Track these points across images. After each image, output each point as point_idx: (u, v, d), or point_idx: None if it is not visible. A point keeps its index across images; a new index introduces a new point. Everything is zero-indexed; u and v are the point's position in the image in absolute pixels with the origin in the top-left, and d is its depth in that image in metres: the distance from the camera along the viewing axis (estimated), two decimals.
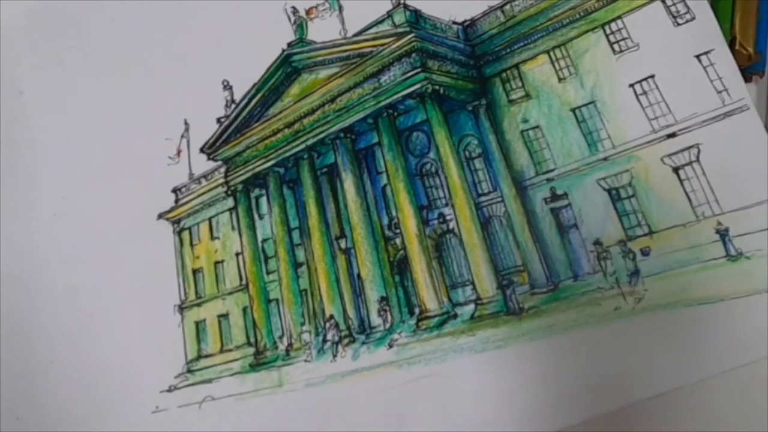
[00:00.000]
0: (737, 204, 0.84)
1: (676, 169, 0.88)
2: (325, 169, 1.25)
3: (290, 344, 1.09)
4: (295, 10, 1.16)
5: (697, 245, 0.85)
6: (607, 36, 0.98)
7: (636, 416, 0.84)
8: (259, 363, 1.07)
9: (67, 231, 1.17)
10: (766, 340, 0.79)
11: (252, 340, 1.13)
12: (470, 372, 0.89)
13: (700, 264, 0.84)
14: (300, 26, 1.16)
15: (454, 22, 1.13)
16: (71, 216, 1.18)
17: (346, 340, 1.03)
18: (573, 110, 0.97)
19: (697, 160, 0.86)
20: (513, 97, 1.06)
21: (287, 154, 1.26)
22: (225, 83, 1.17)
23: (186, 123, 1.18)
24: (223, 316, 1.19)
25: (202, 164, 1.20)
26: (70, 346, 1.09)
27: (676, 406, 0.83)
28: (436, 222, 1.08)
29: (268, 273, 1.22)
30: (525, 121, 1.01)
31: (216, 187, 1.31)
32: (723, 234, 0.84)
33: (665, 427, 0.84)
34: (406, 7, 1.13)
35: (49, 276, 1.14)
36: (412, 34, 1.14)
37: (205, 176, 1.27)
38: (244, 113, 1.23)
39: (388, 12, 1.13)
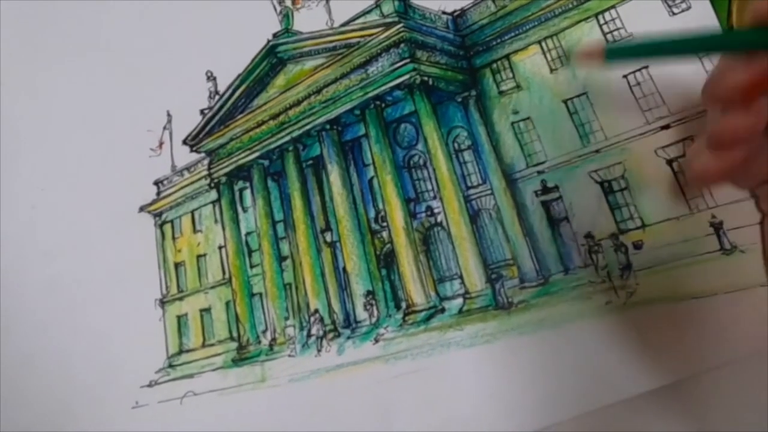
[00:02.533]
0: (732, 196, 0.82)
1: (670, 162, 0.87)
2: (310, 162, 1.24)
3: (274, 339, 1.07)
4: (281, 0, 1.15)
5: (691, 238, 0.83)
6: (600, 26, 0.96)
7: (628, 412, 0.83)
8: (241, 358, 1.05)
9: (46, 223, 1.15)
10: (760, 335, 0.78)
11: (235, 334, 1.12)
12: (458, 367, 0.88)
13: (693, 258, 0.83)
14: (286, 16, 1.15)
15: (444, 12, 1.11)
16: (50, 208, 1.16)
17: (331, 335, 1.01)
18: (565, 101, 0.96)
19: None
20: (503, 88, 1.05)
21: (272, 146, 1.24)
22: (209, 74, 1.15)
23: (168, 114, 1.15)
24: (206, 311, 1.17)
25: (185, 156, 1.17)
26: (48, 341, 1.07)
27: (669, 401, 0.83)
28: (423, 215, 1.07)
29: (251, 267, 1.20)
30: (515, 112, 1.00)
31: (199, 179, 1.29)
32: (717, 227, 0.83)
33: (658, 424, 0.83)
34: None
35: (27, 269, 1.12)
36: (401, 25, 1.12)
37: (187, 168, 1.25)
38: (228, 105, 1.21)
39: (376, 2, 1.11)
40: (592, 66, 0.79)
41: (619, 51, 0.76)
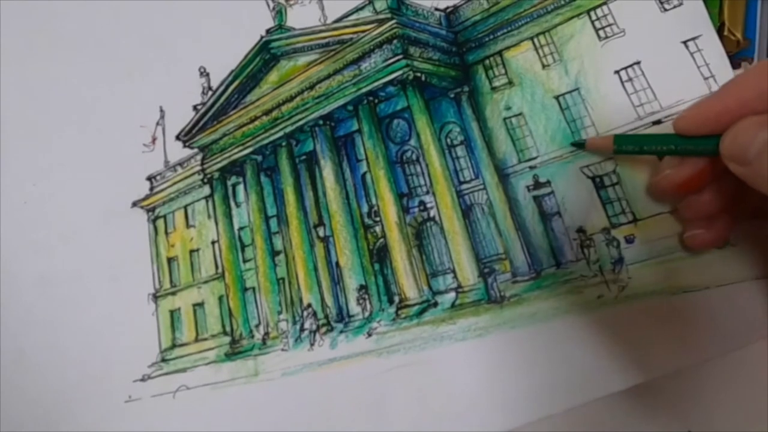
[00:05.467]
0: None
1: (661, 157, 0.87)
2: (303, 157, 1.24)
3: (267, 333, 1.07)
4: None
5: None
6: (592, 22, 0.97)
7: (620, 405, 0.84)
8: (234, 352, 1.05)
9: (38, 219, 1.15)
10: (753, 328, 0.79)
11: (228, 329, 1.12)
12: (451, 360, 0.88)
13: (685, 252, 0.83)
14: (279, 12, 1.15)
15: (437, 9, 1.12)
16: (43, 204, 1.15)
17: (323, 329, 1.02)
18: (557, 97, 0.96)
19: None
20: (496, 84, 1.05)
21: (265, 142, 1.24)
22: (202, 70, 1.15)
23: (161, 110, 1.15)
24: (199, 305, 1.17)
25: (178, 152, 1.17)
26: (41, 336, 1.07)
27: (661, 394, 0.83)
28: (416, 210, 1.07)
29: (244, 261, 1.20)
30: (508, 108, 1.00)
31: (192, 174, 1.29)
32: None
33: (650, 416, 0.84)
34: None
35: (20, 265, 1.12)
36: (394, 21, 1.12)
37: (180, 164, 1.25)
38: (221, 100, 1.21)
39: None
40: (603, 153, 0.82)
41: (625, 143, 0.79)
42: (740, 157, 0.65)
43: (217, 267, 1.19)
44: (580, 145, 0.91)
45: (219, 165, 1.30)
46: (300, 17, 1.13)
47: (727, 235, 0.80)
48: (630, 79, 0.92)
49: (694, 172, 0.75)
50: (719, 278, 0.81)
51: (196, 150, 1.23)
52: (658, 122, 0.89)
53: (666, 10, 0.91)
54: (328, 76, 1.19)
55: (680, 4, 0.90)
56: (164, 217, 1.30)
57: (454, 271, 1.00)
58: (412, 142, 1.13)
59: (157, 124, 1.15)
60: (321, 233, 1.18)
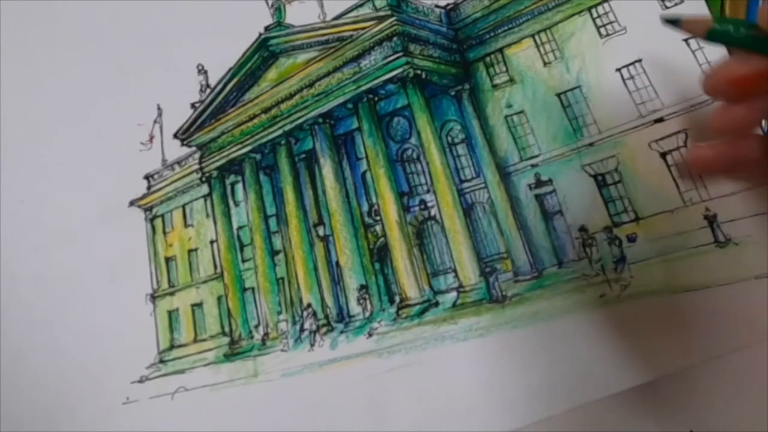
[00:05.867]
0: (726, 189, 0.82)
1: (663, 155, 0.87)
2: (303, 155, 1.24)
3: (266, 333, 1.07)
4: None
5: (685, 231, 0.83)
6: (593, 19, 0.96)
7: (618, 405, 0.83)
8: (233, 353, 1.05)
9: (35, 218, 1.14)
10: (755, 327, 0.78)
11: (227, 329, 1.11)
12: (452, 360, 0.87)
13: (687, 250, 0.83)
14: (278, 10, 1.14)
15: (437, 6, 1.11)
16: (40, 203, 1.15)
17: (324, 329, 1.01)
18: (558, 95, 0.96)
19: (685, 145, 0.85)
20: (497, 81, 1.05)
21: (264, 140, 1.24)
22: (200, 67, 1.15)
23: (159, 108, 1.15)
24: (197, 305, 1.17)
25: (176, 150, 1.16)
26: (39, 336, 1.06)
27: (658, 395, 0.83)
28: (417, 209, 1.07)
29: (243, 261, 1.20)
30: (509, 106, 1.00)
31: (190, 173, 1.29)
32: (711, 220, 0.83)
33: (648, 416, 0.83)
34: None
35: (17, 264, 1.12)
36: (394, 18, 1.12)
37: (178, 162, 1.25)
38: (220, 98, 1.21)
39: None
40: (692, 34, 0.75)
41: (720, 36, 0.73)
42: None
43: (215, 267, 1.19)
44: (674, 22, 0.87)
45: (217, 163, 1.30)
46: (299, 14, 1.13)
47: (728, 165, 0.75)
48: (631, 77, 0.91)
49: (755, 71, 0.70)
50: (720, 278, 0.81)
51: (194, 148, 1.22)
52: (660, 120, 0.88)
53: (667, 7, 0.90)
54: (328, 74, 1.18)
55: (681, 2, 0.89)
56: (162, 216, 1.29)
57: (455, 271, 0.99)
58: (413, 140, 1.13)
59: (155, 122, 1.15)
60: (321, 232, 1.17)
